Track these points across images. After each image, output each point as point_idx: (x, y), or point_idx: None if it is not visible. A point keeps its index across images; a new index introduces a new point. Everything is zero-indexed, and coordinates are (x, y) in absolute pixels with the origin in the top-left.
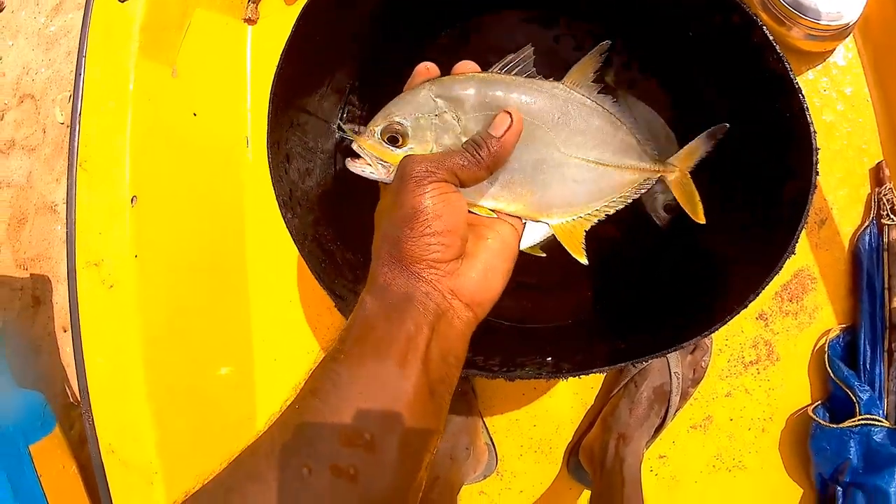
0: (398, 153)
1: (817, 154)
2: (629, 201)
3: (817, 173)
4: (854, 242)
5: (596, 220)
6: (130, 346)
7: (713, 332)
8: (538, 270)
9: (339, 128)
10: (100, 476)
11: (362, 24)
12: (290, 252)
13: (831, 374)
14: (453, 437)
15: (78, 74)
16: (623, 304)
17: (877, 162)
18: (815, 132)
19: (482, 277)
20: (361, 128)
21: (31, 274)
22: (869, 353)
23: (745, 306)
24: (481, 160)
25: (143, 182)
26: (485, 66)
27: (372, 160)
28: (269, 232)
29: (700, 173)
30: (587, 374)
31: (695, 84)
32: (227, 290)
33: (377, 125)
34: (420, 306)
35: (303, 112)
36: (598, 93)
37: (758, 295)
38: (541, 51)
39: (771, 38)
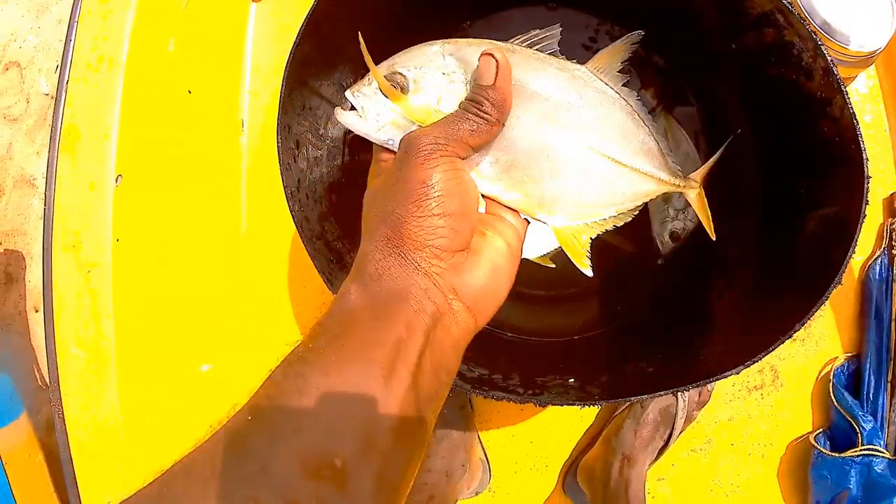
0: (402, 98)
1: (868, 182)
2: (636, 213)
3: (867, 202)
4: (864, 272)
5: (603, 229)
6: (106, 337)
7: (753, 363)
8: (546, 280)
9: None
10: (67, 471)
11: (383, 8)
12: (280, 244)
13: (835, 403)
14: (450, 453)
15: (68, 40)
16: (639, 324)
17: (891, 193)
18: (867, 159)
19: (488, 277)
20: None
21: (4, 249)
22: (873, 384)
23: (787, 338)
24: (488, 115)
25: (129, 160)
26: None
27: (364, 110)
28: (260, 222)
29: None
30: (621, 401)
31: (731, 102)
32: (213, 281)
33: (378, 72)
34: (416, 304)
35: (316, 95)
36: (623, 85)
37: (802, 326)
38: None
39: (829, 57)
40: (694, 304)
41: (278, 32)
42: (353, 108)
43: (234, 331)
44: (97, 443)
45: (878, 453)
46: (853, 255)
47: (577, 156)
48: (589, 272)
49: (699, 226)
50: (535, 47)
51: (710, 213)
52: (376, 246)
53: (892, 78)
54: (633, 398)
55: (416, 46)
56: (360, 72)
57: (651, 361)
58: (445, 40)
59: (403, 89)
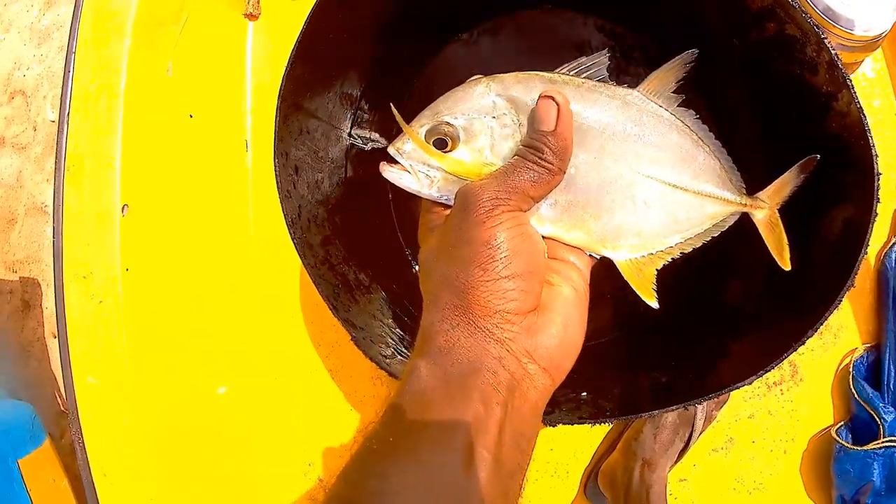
0: (448, 157)
1: (878, 180)
2: (707, 239)
3: (878, 200)
4: (880, 260)
5: (669, 257)
6: (122, 366)
7: (764, 373)
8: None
9: (352, 135)
10: (91, 498)
11: (376, 23)
12: (291, 264)
13: (855, 395)
14: None
15: (67, 71)
16: (654, 329)
17: None
18: (876, 155)
19: (563, 334)
20: (374, 134)
21: (20, 277)
22: (893, 374)
23: (800, 344)
24: (550, 165)
25: (134, 189)
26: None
27: (412, 167)
28: (270, 242)
29: None
30: (633, 417)
31: (735, 99)
32: (225, 304)
33: (422, 124)
34: (491, 377)
35: (312, 117)
36: (678, 105)
37: (815, 332)
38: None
39: (833, 51)
40: (708, 307)
41: (278, 49)
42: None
43: (248, 353)
44: (119, 469)
45: None
46: (865, 254)
47: (636, 187)
48: (655, 305)
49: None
50: (584, 75)
51: (784, 239)
52: (443, 316)
53: None
54: (645, 414)
55: (458, 88)
56: (364, 82)
57: (665, 371)
58: (490, 78)
59: (454, 140)
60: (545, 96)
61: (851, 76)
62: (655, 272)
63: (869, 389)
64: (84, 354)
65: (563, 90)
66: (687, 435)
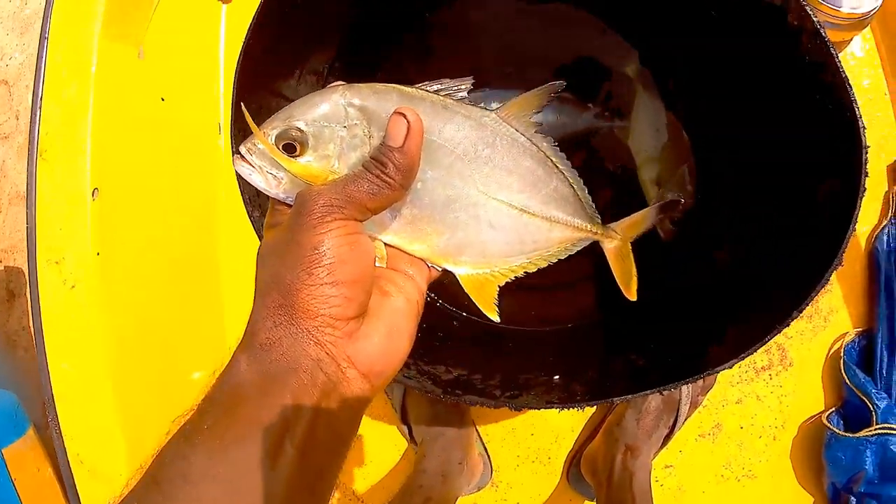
0: (294, 162)
1: (866, 152)
2: (554, 261)
3: (866, 174)
4: (871, 243)
5: (513, 276)
6: (96, 351)
7: (745, 357)
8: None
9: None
10: (69, 486)
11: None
12: None
13: (846, 380)
14: (444, 452)
15: (39, 57)
16: (636, 311)
17: (895, 158)
18: (863, 127)
19: (386, 341)
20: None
21: (4, 267)
22: (886, 359)
23: (784, 326)
24: (391, 180)
25: (105, 173)
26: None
27: (260, 168)
28: (244, 226)
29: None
30: (604, 402)
31: (720, 74)
32: (199, 289)
33: (273, 127)
34: (306, 377)
35: (275, 96)
36: (536, 132)
37: (800, 313)
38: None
39: (815, 18)
40: (690, 288)
41: None
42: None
43: (222, 337)
44: (95, 455)
45: (893, 432)
46: (853, 230)
47: (484, 207)
48: (496, 318)
49: (699, 206)
50: (443, 94)
51: (632, 270)
52: (267, 312)
53: (889, 39)
54: (616, 399)
55: (316, 94)
56: (333, 57)
57: (641, 354)
58: (347, 87)
59: (303, 146)
60: (398, 113)
61: (839, 55)
62: (498, 288)
63: (861, 375)
64: (58, 341)
65: (419, 106)
66: (671, 421)
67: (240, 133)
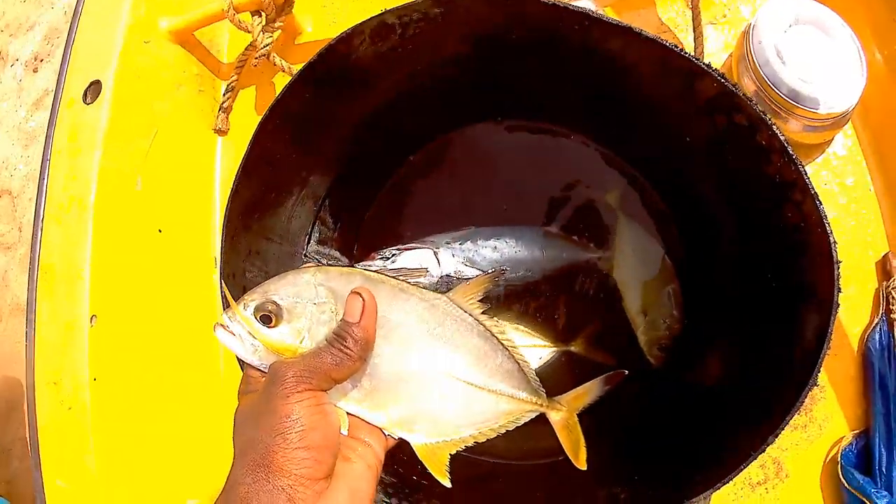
0: (268, 334)
1: (838, 267)
2: (502, 432)
3: (839, 290)
4: (864, 342)
5: (463, 445)
6: (90, 472)
7: (728, 481)
8: None
9: (308, 255)
10: None
11: (333, 137)
12: None
13: (845, 485)
14: None
15: (41, 178)
16: (618, 444)
17: (883, 254)
18: (834, 242)
19: (349, 501)
20: (335, 252)
21: (3, 377)
22: (885, 456)
23: (763, 449)
24: (351, 352)
25: (103, 300)
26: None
27: (240, 335)
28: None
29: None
30: None
31: (699, 196)
32: (195, 417)
33: (252, 300)
34: None
35: (263, 238)
36: (483, 312)
37: (777, 435)
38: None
39: (782, 137)
40: (680, 413)
41: None
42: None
43: (217, 464)
44: None
45: None
46: (829, 342)
47: (434, 380)
48: (447, 484)
49: (685, 334)
50: (401, 277)
51: (580, 440)
52: (246, 469)
53: (870, 134)
54: None
55: (289, 273)
56: (325, 196)
57: (626, 486)
58: (317, 268)
59: (278, 318)
60: (355, 293)
61: (822, 156)
62: (449, 456)
63: (859, 477)
64: (54, 457)
65: (378, 288)
66: None
67: (231, 277)
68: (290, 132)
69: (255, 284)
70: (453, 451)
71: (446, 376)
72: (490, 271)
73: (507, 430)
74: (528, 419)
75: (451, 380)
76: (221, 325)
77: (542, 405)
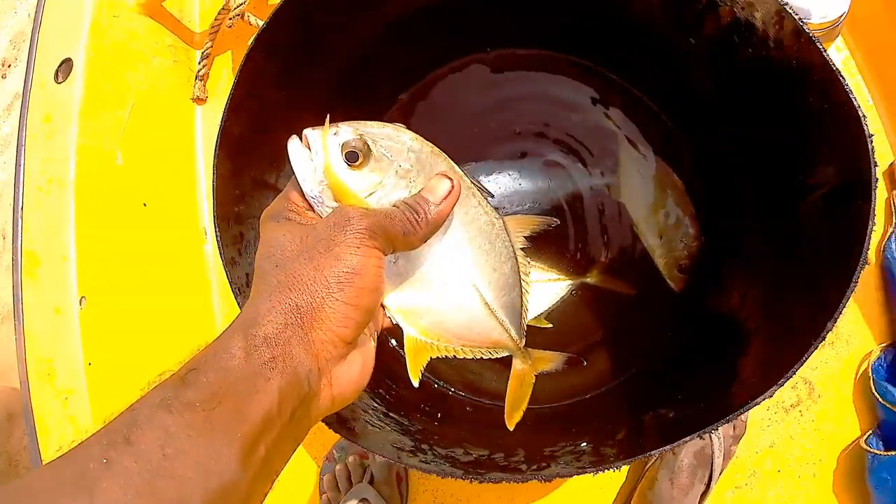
0: (344, 171)
1: (871, 141)
2: (476, 357)
3: (875, 164)
4: (881, 253)
5: (444, 355)
6: None
7: (778, 388)
8: (546, 341)
9: None
10: None
11: (323, 71)
12: None
13: (879, 399)
14: None
15: (18, 165)
16: (661, 362)
17: (890, 163)
18: (864, 115)
19: (359, 374)
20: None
21: (1, 387)
22: None
23: (822, 338)
24: (419, 229)
25: (91, 281)
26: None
27: (314, 158)
28: None
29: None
30: (640, 458)
31: (706, 105)
32: None
33: (345, 129)
34: (295, 385)
35: (257, 181)
36: (521, 248)
37: (835, 322)
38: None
39: (795, 16)
40: (711, 333)
41: None
42: (308, 145)
43: None
44: None
45: None
46: (874, 225)
47: (460, 288)
48: (415, 383)
49: (705, 251)
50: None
51: (524, 401)
52: (280, 308)
53: (864, 45)
54: (654, 451)
55: (391, 125)
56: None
57: (671, 405)
58: (414, 135)
59: (365, 159)
60: (445, 175)
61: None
62: (430, 359)
63: (893, 390)
64: (53, 453)
65: (461, 183)
66: (707, 476)
67: (226, 222)
68: (279, 64)
69: (249, 227)
70: (434, 356)
71: (472, 289)
72: (545, 217)
73: (479, 358)
74: (497, 356)
75: (473, 294)
76: (299, 138)
77: (518, 349)
